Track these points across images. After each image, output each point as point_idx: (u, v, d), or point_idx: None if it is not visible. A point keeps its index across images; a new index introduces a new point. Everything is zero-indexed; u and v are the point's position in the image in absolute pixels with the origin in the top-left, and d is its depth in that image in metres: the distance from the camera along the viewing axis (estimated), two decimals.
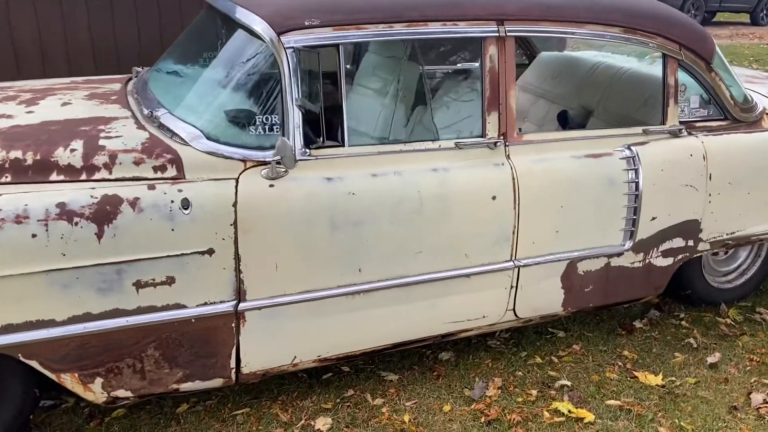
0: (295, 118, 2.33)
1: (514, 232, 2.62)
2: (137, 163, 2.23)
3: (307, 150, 2.36)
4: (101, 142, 2.27)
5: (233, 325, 2.30)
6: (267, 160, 2.28)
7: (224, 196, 2.22)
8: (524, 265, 2.68)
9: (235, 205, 2.22)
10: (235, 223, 2.22)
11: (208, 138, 2.33)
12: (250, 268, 2.27)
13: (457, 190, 2.49)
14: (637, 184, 2.76)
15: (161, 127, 2.40)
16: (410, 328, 2.62)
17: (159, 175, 2.23)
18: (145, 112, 2.50)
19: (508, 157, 2.61)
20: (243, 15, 2.46)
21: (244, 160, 2.31)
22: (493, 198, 2.55)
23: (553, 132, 2.86)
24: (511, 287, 2.70)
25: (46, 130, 2.34)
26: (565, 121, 3.64)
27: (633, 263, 2.90)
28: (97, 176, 2.19)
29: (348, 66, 3.01)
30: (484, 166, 2.56)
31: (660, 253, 2.95)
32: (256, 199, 2.25)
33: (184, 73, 2.68)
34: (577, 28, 2.69)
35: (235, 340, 2.33)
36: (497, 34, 2.54)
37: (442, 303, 2.61)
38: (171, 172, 2.25)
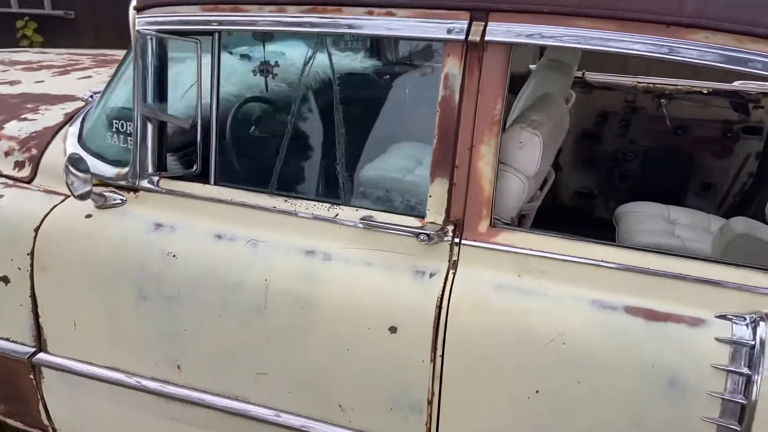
0: (140, 130, 1.65)
1: (430, 402, 1.42)
2: (7, 153, 1.91)
3: (155, 177, 1.67)
4: (7, 123, 2.01)
5: (32, 377, 1.82)
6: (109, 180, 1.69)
7: (30, 216, 1.72)
8: None
9: (37, 230, 1.70)
10: (32, 254, 1.71)
11: (79, 140, 1.86)
12: (48, 316, 1.74)
13: (330, 296, 1.45)
14: (745, 408, 1.19)
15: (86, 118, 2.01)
16: None
17: (13, 173, 1.87)
18: (86, 95, 2.13)
19: (453, 264, 1.41)
20: None
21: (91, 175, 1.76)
22: (392, 330, 1.41)
23: (573, 238, 1.40)
24: None
25: (6, 103, 2.19)
26: None
27: None
28: None
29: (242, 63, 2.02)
30: (393, 269, 1.43)
31: None
32: (62, 230, 1.69)
33: None
34: (665, 39, 1.24)
35: (39, 395, 1.85)
36: (463, 38, 1.34)
37: None
38: (25, 171, 1.86)
